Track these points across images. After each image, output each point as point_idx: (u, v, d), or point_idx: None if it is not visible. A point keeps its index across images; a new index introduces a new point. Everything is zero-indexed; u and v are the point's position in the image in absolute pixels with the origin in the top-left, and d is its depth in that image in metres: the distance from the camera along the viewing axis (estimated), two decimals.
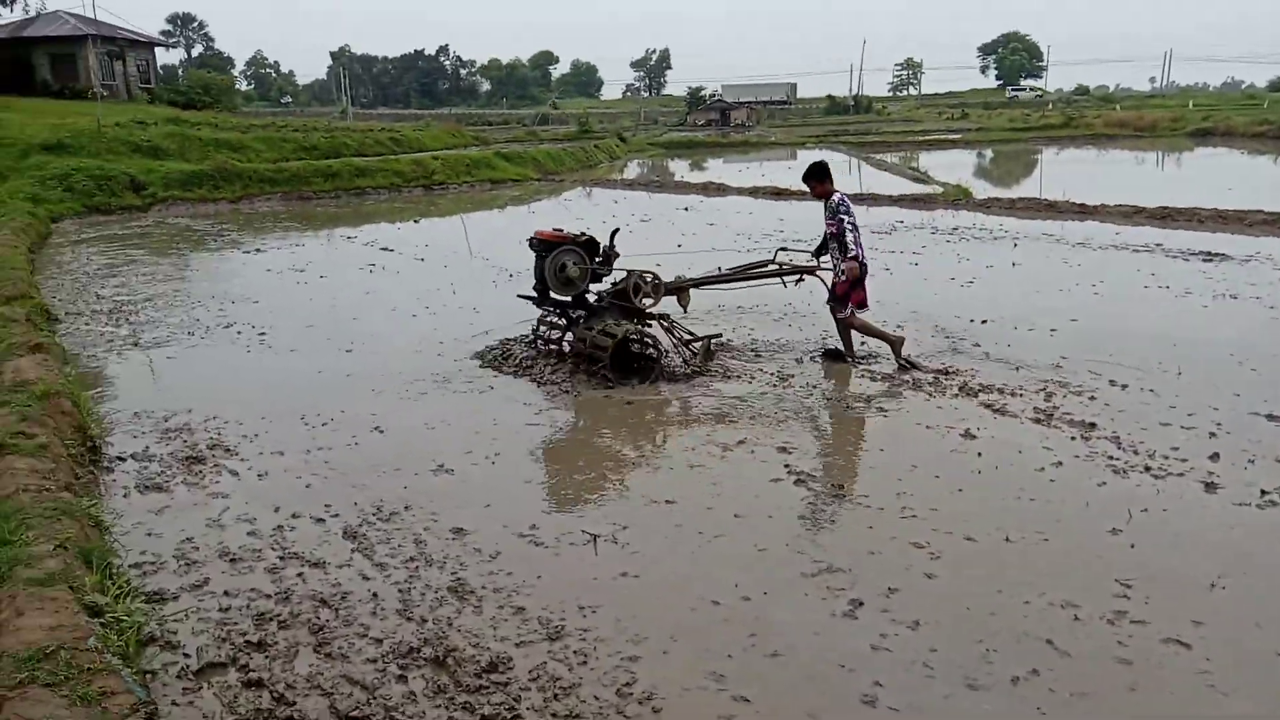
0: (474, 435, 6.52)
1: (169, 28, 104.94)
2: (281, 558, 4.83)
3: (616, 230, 8.05)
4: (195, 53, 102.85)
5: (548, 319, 8.40)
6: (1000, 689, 3.58)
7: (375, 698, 3.60)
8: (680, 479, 5.73)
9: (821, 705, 3.51)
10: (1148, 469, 5.62)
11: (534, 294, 7.95)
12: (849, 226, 7.75)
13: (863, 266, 7.84)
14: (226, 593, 4.46)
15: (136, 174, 23.06)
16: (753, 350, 8.56)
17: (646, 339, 7.62)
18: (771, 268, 8.66)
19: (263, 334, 9.80)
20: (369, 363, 8.46)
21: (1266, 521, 4.93)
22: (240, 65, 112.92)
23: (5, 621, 3.48)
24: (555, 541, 4.97)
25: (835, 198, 7.83)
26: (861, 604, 4.20)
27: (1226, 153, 37.24)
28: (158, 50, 52.67)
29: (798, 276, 8.73)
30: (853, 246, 7.78)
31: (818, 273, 8.57)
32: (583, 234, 7.83)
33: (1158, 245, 13.75)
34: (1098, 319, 9.36)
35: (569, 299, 7.85)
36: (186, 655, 3.91)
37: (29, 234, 16.30)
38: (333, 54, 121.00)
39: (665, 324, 8.02)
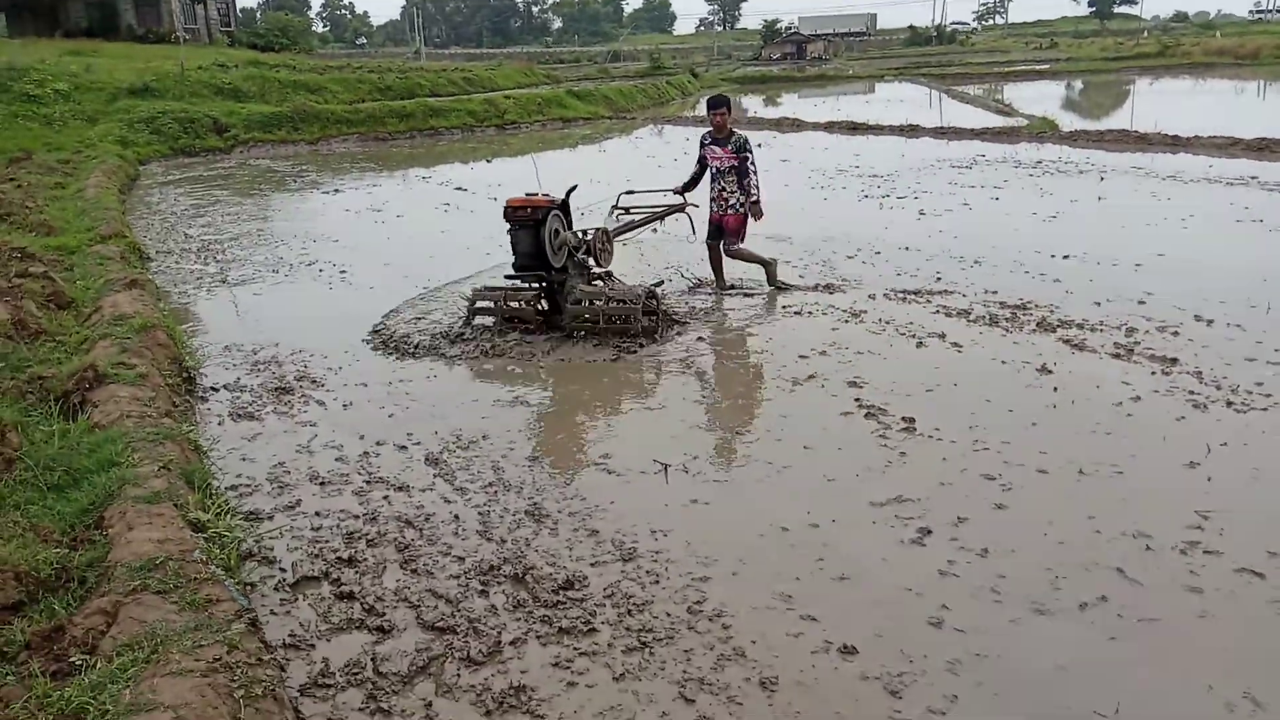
0: (541, 371, 6.69)
1: None
2: (368, 482, 5.06)
3: (573, 188, 7.53)
4: None
5: (508, 293, 7.46)
6: (1067, 614, 3.62)
7: (459, 610, 3.80)
8: (749, 411, 5.79)
9: (887, 626, 3.59)
10: (1229, 404, 5.50)
11: (525, 270, 7.20)
12: (752, 169, 8.11)
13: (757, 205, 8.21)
14: (318, 513, 4.70)
15: (219, 116, 23.62)
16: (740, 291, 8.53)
17: (657, 294, 7.35)
18: (661, 208, 8.51)
19: (343, 271, 10.08)
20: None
21: None
22: (316, 7, 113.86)
23: (118, 535, 3.74)
24: (627, 470, 5.10)
25: (741, 135, 8.13)
26: (930, 532, 4.25)
27: None
28: None
29: (674, 216, 8.72)
30: (755, 191, 8.13)
31: (686, 210, 8.54)
32: (548, 195, 7.25)
33: (1253, 178, 13.17)
34: (1185, 254, 9.06)
35: (559, 266, 7.20)
36: (283, 570, 4.16)
37: (119, 176, 16.88)
38: None
39: (608, 280, 7.74)
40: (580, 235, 7.41)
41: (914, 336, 7.02)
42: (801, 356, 6.65)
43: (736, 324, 7.54)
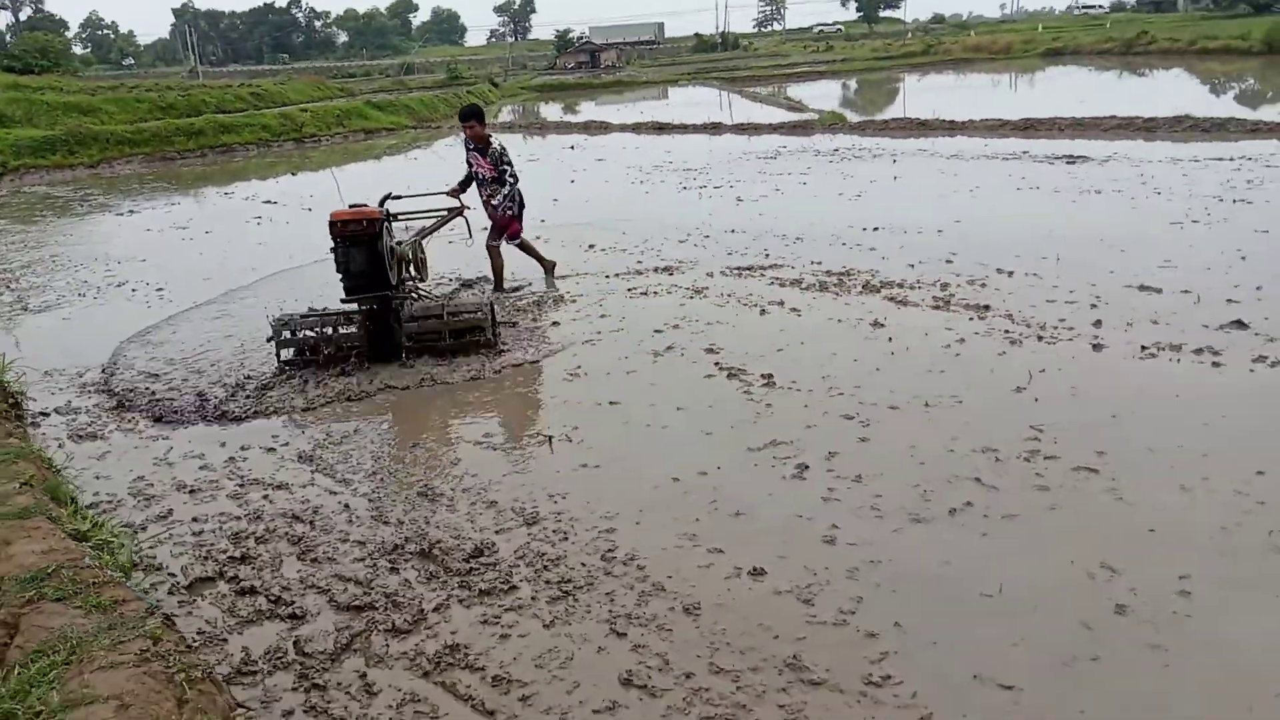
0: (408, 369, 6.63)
1: None
2: (241, 485, 4.90)
3: (387, 196, 7.11)
4: (24, 16, 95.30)
5: (328, 319, 6.67)
6: (941, 520, 4.02)
7: (372, 589, 3.78)
8: (620, 382, 5.99)
9: (787, 549, 3.87)
10: (1040, 338, 6.18)
11: (361, 290, 6.46)
12: (511, 178, 8.36)
13: (521, 205, 8.59)
14: (195, 519, 4.52)
15: None
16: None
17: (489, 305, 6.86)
18: (440, 211, 7.88)
19: (160, 289, 9.55)
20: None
21: (1149, 369, 5.54)
22: (75, 28, 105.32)
23: None
24: (511, 446, 5.18)
25: (497, 145, 8.29)
26: (807, 467, 4.58)
27: (1076, 69, 39.21)
28: None
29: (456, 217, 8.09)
30: (509, 204, 8.41)
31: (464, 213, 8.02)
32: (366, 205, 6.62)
33: (1024, 153, 14.63)
34: (978, 219, 10.00)
35: (391, 285, 6.55)
36: (173, 574, 4.00)
37: None
38: (175, 11, 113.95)
39: (418, 292, 7.30)
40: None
41: (756, 306, 7.43)
42: (656, 331, 6.91)
43: (586, 309, 7.71)
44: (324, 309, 6.92)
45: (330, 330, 6.62)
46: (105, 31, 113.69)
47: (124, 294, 9.54)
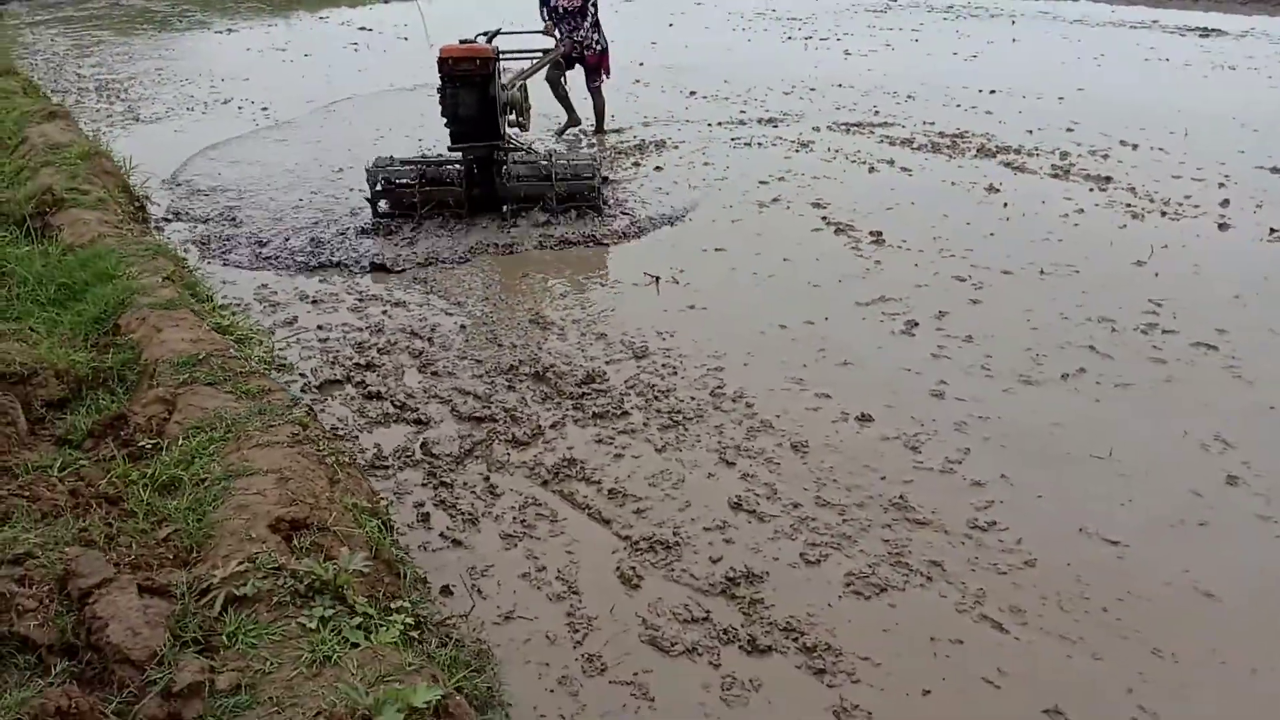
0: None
1: None
2: (360, 300, 5.08)
3: (496, 32, 6.49)
4: None
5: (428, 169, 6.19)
6: (1053, 384, 4.02)
7: (491, 403, 3.95)
8: (725, 231, 5.97)
9: (895, 399, 3.92)
10: (1164, 214, 5.97)
11: (470, 139, 6.02)
12: (593, 6, 7.79)
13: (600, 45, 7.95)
14: (320, 327, 4.73)
15: None
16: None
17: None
18: (538, 52, 7.30)
19: (265, 108, 9.64)
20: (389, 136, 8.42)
21: (1278, 252, 5.34)
22: None
23: (145, 337, 3.72)
24: (618, 283, 5.25)
25: None
26: (917, 324, 4.58)
27: None
28: None
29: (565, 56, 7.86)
30: (598, 37, 7.88)
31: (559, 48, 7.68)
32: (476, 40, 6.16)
33: (1154, 22, 13.71)
34: (1103, 89, 9.49)
35: (501, 134, 6.12)
36: (303, 375, 4.22)
37: None
38: None
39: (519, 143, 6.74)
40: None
41: (864, 163, 7.25)
42: (761, 183, 6.82)
43: (689, 157, 7.59)
44: (421, 155, 6.62)
45: (429, 182, 6.12)
46: None
47: (230, 110, 9.65)
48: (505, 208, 6.14)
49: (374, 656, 2.15)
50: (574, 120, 8.25)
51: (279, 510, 2.64)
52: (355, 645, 2.18)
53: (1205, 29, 12.84)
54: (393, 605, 2.49)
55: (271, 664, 2.10)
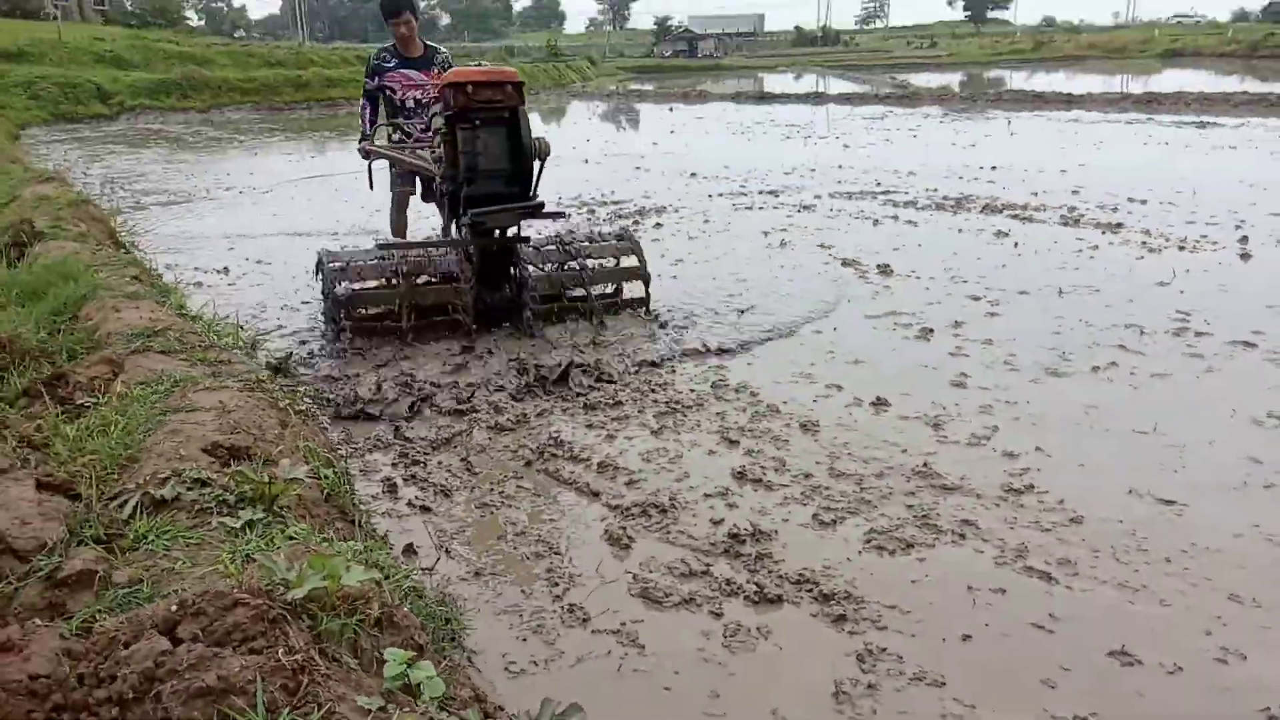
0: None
1: None
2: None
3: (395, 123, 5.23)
4: None
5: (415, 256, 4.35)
6: (1083, 375, 3.71)
7: (474, 401, 3.64)
8: (745, 265, 5.74)
9: (913, 387, 3.61)
10: (1181, 248, 5.76)
11: (502, 201, 4.06)
12: None
13: None
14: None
15: (102, 83, 22.37)
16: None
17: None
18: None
19: (266, 192, 9.66)
20: None
21: None
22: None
23: (104, 318, 3.46)
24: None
25: (443, 50, 5.50)
26: (932, 331, 4.30)
27: (1194, 73, 37.35)
28: None
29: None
30: None
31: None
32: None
33: (1149, 118, 13.92)
34: (1104, 164, 9.47)
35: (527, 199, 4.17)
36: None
37: None
38: None
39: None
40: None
41: (869, 218, 7.12)
42: (764, 233, 6.66)
43: (689, 217, 7.44)
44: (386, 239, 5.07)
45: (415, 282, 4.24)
46: (219, 4, 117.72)
47: (231, 196, 9.68)
48: (527, 313, 4.26)
49: (306, 551, 1.80)
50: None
51: (217, 436, 2.32)
52: (290, 540, 1.83)
53: (1202, 122, 13.01)
54: (342, 540, 2.14)
55: (184, 563, 1.75)
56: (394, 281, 4.21)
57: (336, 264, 4.18)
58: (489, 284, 4.34)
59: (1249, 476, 2.83)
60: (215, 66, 26.69)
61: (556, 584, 2.37)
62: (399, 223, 5.71)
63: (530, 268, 4.36)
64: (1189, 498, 2.71)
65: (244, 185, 10.13)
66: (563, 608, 2.27)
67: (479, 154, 4.04)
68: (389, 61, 5.35)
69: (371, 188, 5.22)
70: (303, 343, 4.35)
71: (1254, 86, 16.95)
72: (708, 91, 24.90)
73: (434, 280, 4.27)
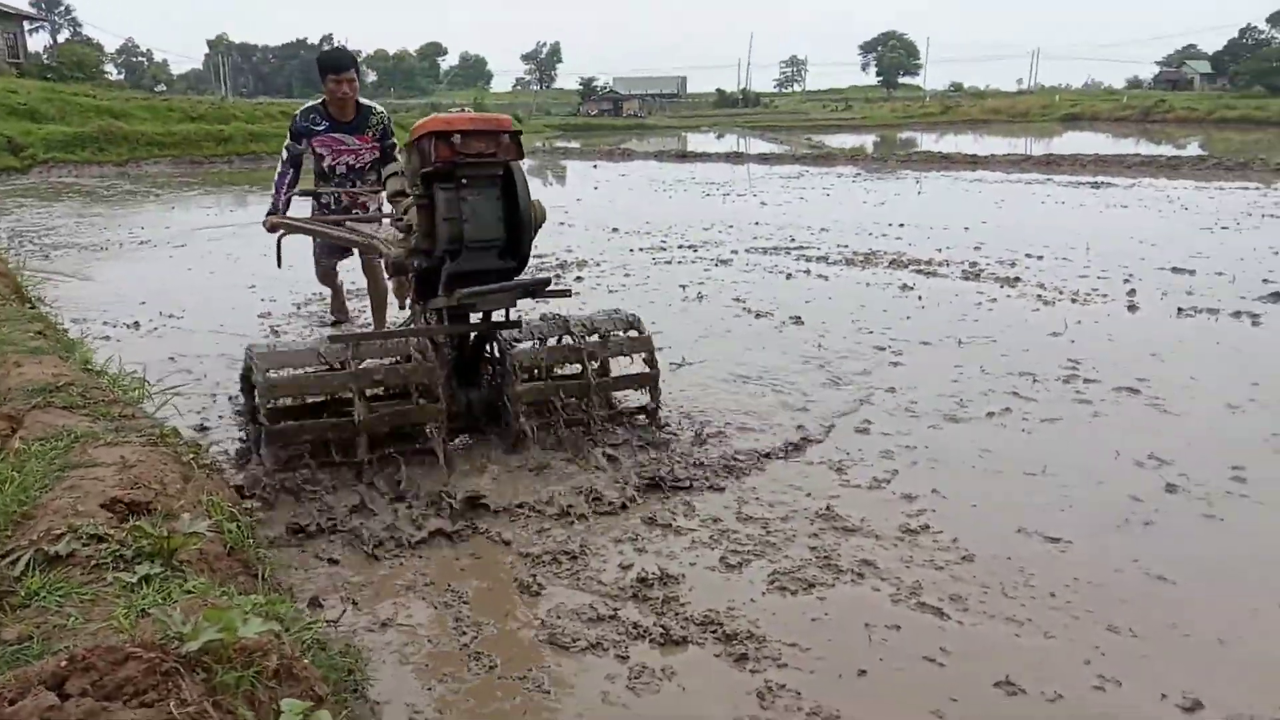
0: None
1: (33, 11, 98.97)
2: None
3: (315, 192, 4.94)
4: (62, 38, 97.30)
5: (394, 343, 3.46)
6: (979, 420, 3.88)
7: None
8: (662, 316, 5.84)
9: (821, 431, 3.72)
10: (1074, 300, 6.07)
11: (496, 275, 3.22)
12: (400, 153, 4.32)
13: None
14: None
15: (14, 135, 21.83)
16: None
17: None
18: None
19: (180, 246, 9.51)
20: None
21: (1187, 324, 5.44)
22: (110, 52, 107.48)
23: (4, 374, 3.39)
24: None
25: (381, 111, 5.05)
26: (839, 379, 4.45)
27: (1092, 136, 39.41)
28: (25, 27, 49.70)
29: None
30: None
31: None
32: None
33: (1048, 179, 14.65)
34: (1005, 222, 9.94)
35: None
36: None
37: None
38: (209, 42, 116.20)
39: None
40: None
41: (782, 273, 7.33)
42: (682, 286, 6.81)
43: (610, 270, 7.57)
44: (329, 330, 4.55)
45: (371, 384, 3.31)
46: (140, 59, 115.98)
47: (145, 249, 9.50)
48: (520, 422, 3.41)
49: (204, 604, 1.80)
50: (344, 315, 5.80)
51: (116, 491, 2.29)
52: (188, 594, 1.83)
53: (1096, 182, 13.73)
54: (244, 593, 2.13)
55: (76, 619, 1.74)
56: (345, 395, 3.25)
57: (268, 373, 3.16)
58: (465, 380, 3.60)
59: (1131, 514, 3.00)
60: (134, 120, 26.24)
61: (465, 632, 2.38)
62: (331, 284, 5.60)
63: (516, 349, 3.50)
64: (1074, 535, 2.85)
65: (158, 239, 9.96)
66: (469, 655, 2.28)
67: (465, 221, 3.14)
68: (319, 124, 4.85)
69: (279, 266, 4.36)
70: (213, 396, 4.30)
71: (1146, 149, 17.98)
72: (631, 150, 25.37)
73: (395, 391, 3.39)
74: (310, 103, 5.00)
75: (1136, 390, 4.20)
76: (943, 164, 18.67)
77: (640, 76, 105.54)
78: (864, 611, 2.45)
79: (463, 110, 3.23)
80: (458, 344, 3.59)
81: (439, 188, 3.15)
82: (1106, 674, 2.18)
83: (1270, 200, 11.34)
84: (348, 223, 4.42)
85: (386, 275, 4.67)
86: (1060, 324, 5.40)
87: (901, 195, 13.04)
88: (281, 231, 4.39)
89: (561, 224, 10.48)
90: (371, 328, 5.28)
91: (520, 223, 3.19)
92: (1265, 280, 6.48)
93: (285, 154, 4.88)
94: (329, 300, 5.91)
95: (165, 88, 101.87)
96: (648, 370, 3.67)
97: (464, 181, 3.14)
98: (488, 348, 3.64)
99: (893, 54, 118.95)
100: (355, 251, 5.03)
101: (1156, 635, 2.34)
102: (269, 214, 4.65)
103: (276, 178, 4.83)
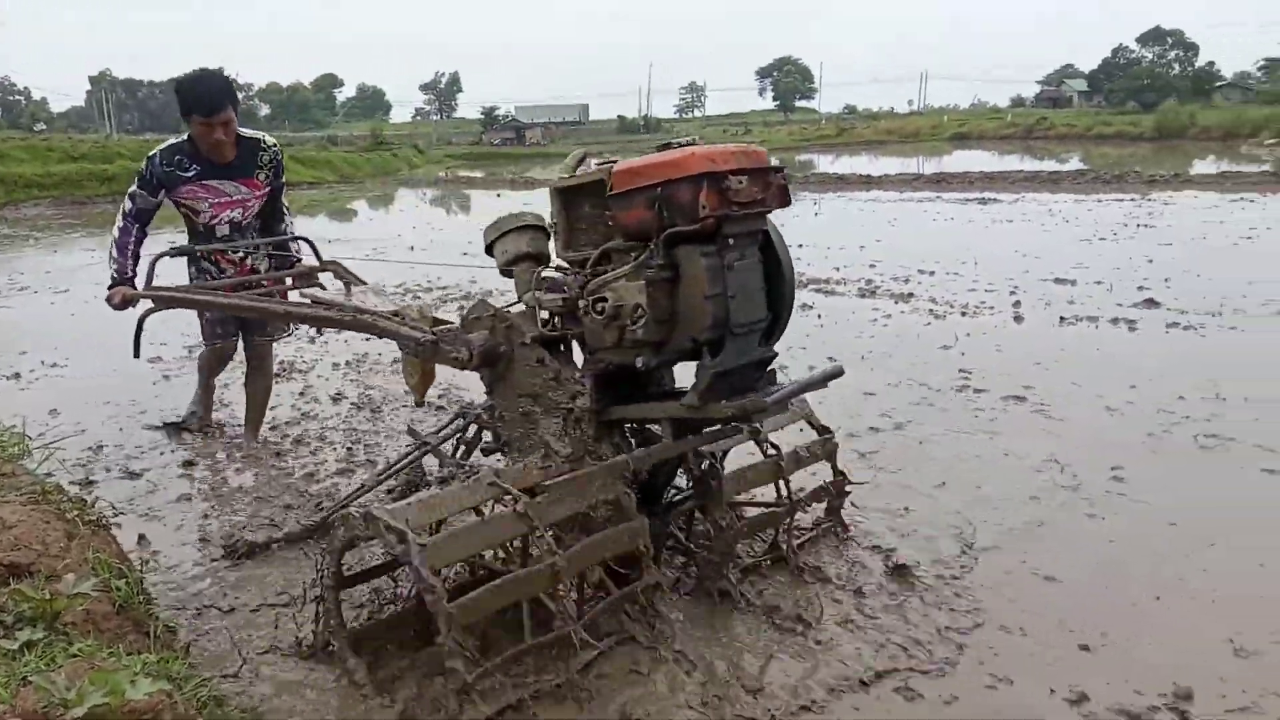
0: None
1: None
2: None
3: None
4: None
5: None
6: (886, 434, 4.01)
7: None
8: None
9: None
10: (964, 314, 6.31)
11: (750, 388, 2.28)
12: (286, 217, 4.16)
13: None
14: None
15: None
16: None
17: None
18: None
19: (63, 290, 9.14)
20: None
21: (1069, 332, 5.71)
22: None
23: None
24: None
25: (272, 143, 3.99)
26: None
27: (981, 153, 41.09)
28: None
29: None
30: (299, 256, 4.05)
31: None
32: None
33: (938, 197, 15.21)
34: (897, 240, 10.28)
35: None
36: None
37: None
38: (92, 79, 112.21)
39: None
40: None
41: None
42: None
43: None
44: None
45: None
46: (16, 97, 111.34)
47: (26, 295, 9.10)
48: (727, 580, 2.66)
49: (90, 668, 1.73)
50: (206, 421, 4.46)
51: None
52: (73, 658, 1.76)
53: (984, 198, 14.32)
54: (135, 653, 2.06)
55: None
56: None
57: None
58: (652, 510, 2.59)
59: (1027, 518, 3.13)
60: (11, 161, 25.20)
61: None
62: (209, 381, 4.39)
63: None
64: (972, 539, 2.96)
65: (39, 284, 9.55)
66: (378, 703, 2.24)
67: (733, 297, 2.15)
68: (187, 168, 3.75)
69: (137, 355, 3.65)
70: (100, 446, 4.15)
71: (1029, 165, 18.85)
72: (535, 179, 25.40)
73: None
74: (173, 140, 3.83)
75: (1023, 398, 4.39)
76: (839, 185, 19.22)
77: (542, 105, 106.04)
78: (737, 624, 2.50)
79: (697, 142, 2.18)
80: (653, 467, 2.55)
81: (699, 253, 2.10)
82: (999, 673, 2.26)
83: (1144, 211, 12.00)
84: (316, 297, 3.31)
85: (413, 364, 2.87)
86: (951, 337, 5.62)
87: (800, 216, 13.36)
88: (148, 306, 3.42)
89: (465, 254, 10.41)
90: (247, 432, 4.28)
91: (784, 295, 2.32)
92: (1140, 288, 6.85)
93: (130, 204, 3.77)
94: (195, 390, 4.49)
95: (45, 126, 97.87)
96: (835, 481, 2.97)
97: (730, 242, 2.15)
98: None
99: (788, 79, 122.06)
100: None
101: (1045, 634, 2.44)
102: (114, 284, 3.73)
103: (118, 236, 3.80)
